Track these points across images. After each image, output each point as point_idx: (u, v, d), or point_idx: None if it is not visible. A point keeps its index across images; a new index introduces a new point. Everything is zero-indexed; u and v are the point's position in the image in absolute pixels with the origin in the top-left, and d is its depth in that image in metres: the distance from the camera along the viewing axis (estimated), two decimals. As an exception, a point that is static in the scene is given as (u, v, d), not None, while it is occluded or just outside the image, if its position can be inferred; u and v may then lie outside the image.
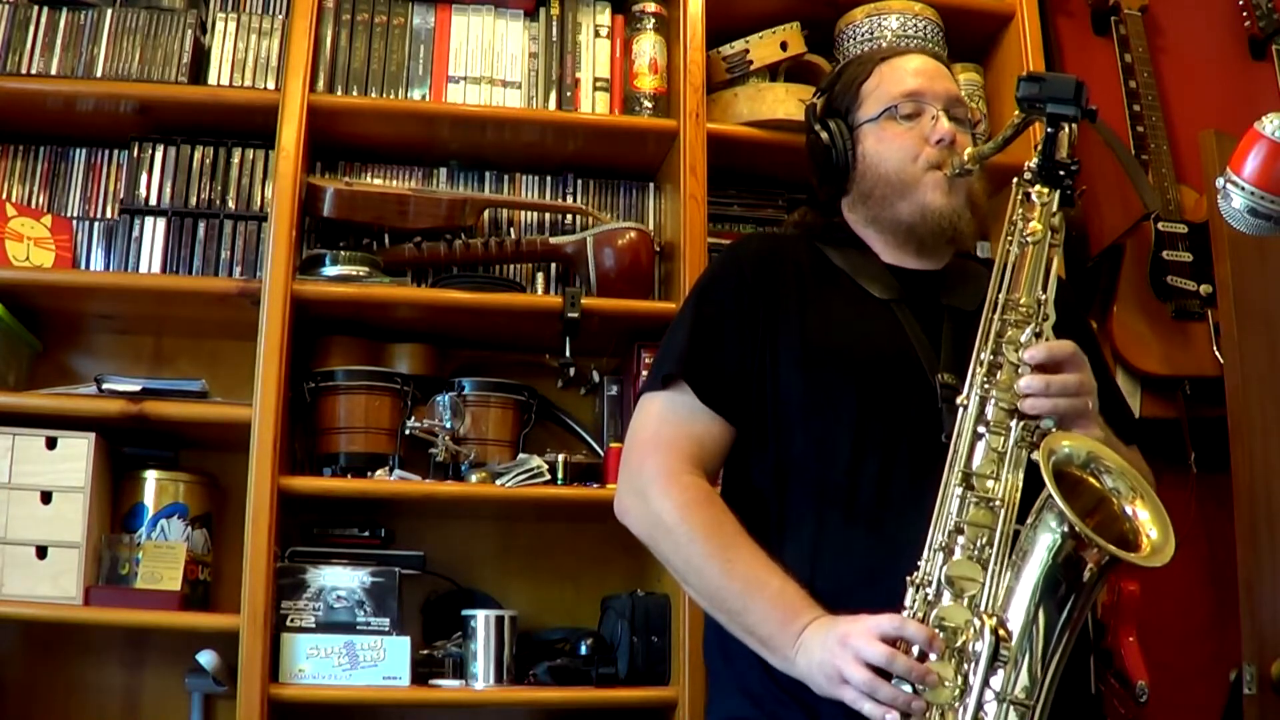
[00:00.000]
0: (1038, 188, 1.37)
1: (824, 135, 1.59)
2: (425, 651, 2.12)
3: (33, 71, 2.13)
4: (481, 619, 2.05)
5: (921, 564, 1.25)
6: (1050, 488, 1.17)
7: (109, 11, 2.17)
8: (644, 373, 2.19)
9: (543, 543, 2.36)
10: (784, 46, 2.33)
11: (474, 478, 2.11)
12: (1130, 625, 2.31)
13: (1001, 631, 1.17)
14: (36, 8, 2.16)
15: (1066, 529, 1.18)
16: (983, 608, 1.21)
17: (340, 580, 2.03)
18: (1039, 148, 1.36)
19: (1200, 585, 2.57)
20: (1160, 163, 2.62)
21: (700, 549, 1.35)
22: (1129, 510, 1.25)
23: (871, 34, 2.31)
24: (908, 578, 1.25)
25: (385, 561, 2.09)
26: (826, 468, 1.40)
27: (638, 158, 2.37)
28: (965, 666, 1.18)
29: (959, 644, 1.19)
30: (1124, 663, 2.29)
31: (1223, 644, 2.45)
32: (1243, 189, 1.26)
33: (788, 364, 1.44)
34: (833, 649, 1.21)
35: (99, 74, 2.14)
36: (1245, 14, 2.85)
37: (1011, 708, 1.16)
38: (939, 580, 1.23)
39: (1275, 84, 2.80)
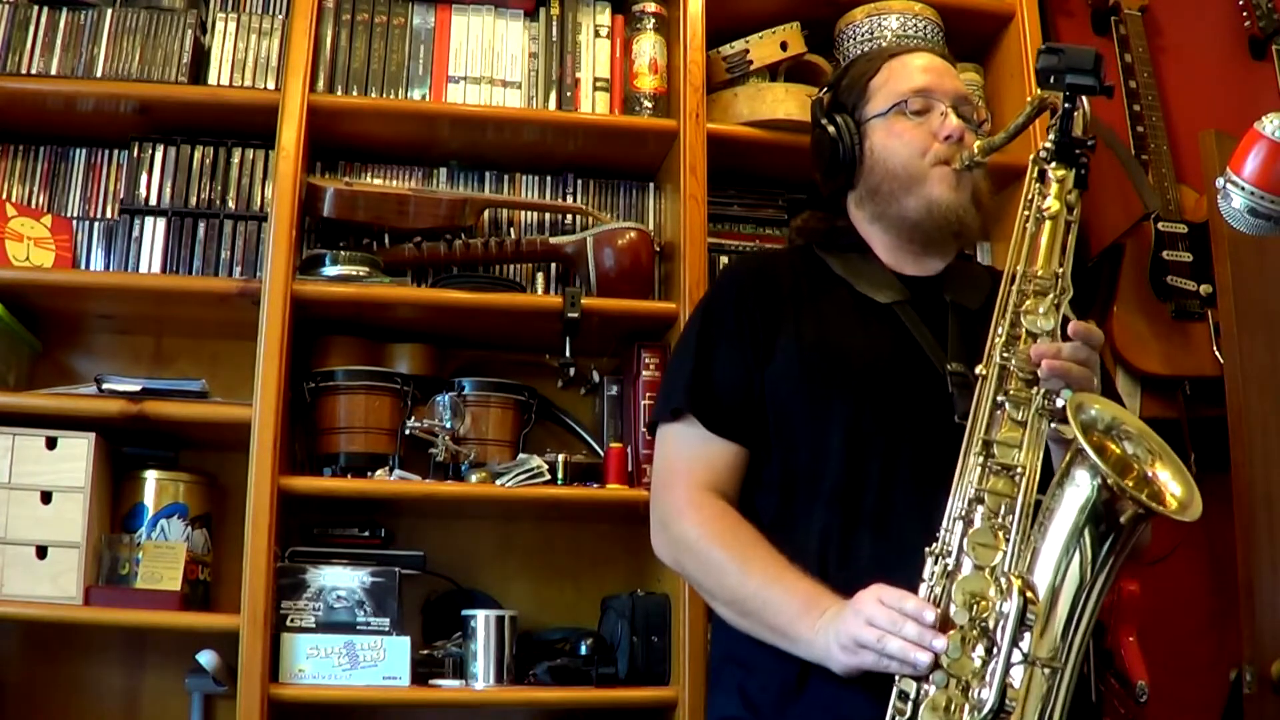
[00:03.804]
0: (1053, 165, 1.37)
1: (831, 130, 1.59)
2: (425, 651, 2.11)
3: (33, 71, 2.13)
4: (481, 619, 2.05)
5: (940, 534, 1.25)
6: (1081, 440, 1.16)
7: (109, 11, 2.17)
8: (644, 372, 2.20)
9: (543, 543, 2.36)
10: (784, 46, 2.33)
11: (474, 478, 2.11)
12: (1130, 625, 2.31)
13: (1029, 593, 1.16)
14: (36, 8, 2.16)
15: (1099, 481, 1.16)
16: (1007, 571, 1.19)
17: (340, 580, 2.03)
18: (1054, 125, 1.36)
19: (1200, 585, 2.57)
20: (1160, 163, 2.62)
21: (718, 558, 1.39)
22: (1150, 474, 1.24)
23: (871, 34, 2.31)
24: (926, 549, 1.24)
25: (385, 561, 2.09)
26: (829, 476, 1.41)
27: (638, 158, 2.37)
28: (991, 631, 1.16)
29: (982, 612, 1.17)
30: (1124, 663, 2.29)
31: (1223, 644, 2.45)
32: (1243, 189, 1.25)
33: (788, 379, 1.46)
34: (846, 618, 1.23)
35: (99, 74, 2.13)
36: (1245, 14, 2.85)
37: (1039, 669, 1.15)
38: (959, 549, 1.22)
39: (1275, 84, 2.80)
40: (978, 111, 1.58)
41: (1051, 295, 1.32)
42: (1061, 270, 1.34)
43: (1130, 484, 1.19)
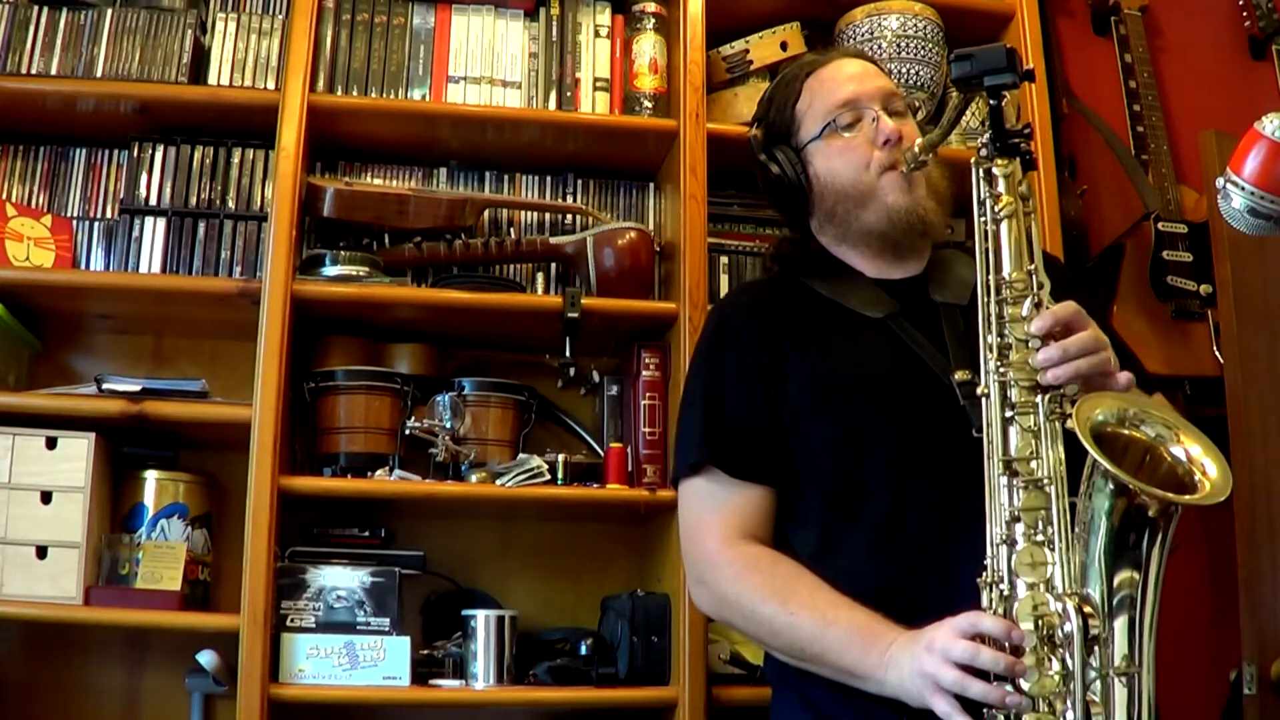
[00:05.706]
0: (997, 161, 1.36)
1: (774, 167, 1.58)
2: (425, 651, 2.11)
3: (33, 71, 2.13)
4: (481, 619, 2.05)
5: (987, 562, 1.24)
6: (1092, 451, 1.16)
7: (109, 11, 2.17)
8: (644, 372, 2.20)
9: (543, 543, 2.36)
10: (784, 46, 2.33)
11: (474, 478, 2.11)
12: (1130, 625, 2.31)
13: (1087, 608, 1.16)
14: (36, 8, 2.16)
15: (1115, 487, 1.17)
16: (1060, 588, 1.19)
17: (340, 580, 2.03)
18: (986, 123, 1.36)
19: (1200, 585, 2.57)
20: (1160, 163, 2.62)
21: (763, 610, 1.36)
22: (1179, 453, 1.24)
23: (871, 34, 2.31)
24: (978, 579, 1.23)
25: (385, 561, 2.09)
26: (867, 500, 1.39)
27: (638, 158, 2.37)
28: (1061, 651, 1.16)
29: (1049, 626, 1.17)
30: (1124, 663, 2.29)
31: (1223, 644, 2.45)
32: (1243, 189, 1.25)
33: (806, 410, 1.45)
34: (920, 656, 1.20)
35: (99, 74, 2.13)
36: (1245, 14, 2.85)
37: (1117, 680, 1.15)
38: (1009, 573, 1.22)
39: (1275, 84, 2.80)
40: (912, 101, 1.58)
41: (1030, 297, 1.31)
42: (1033, 266, 1.33)
43: (1158, 478, 1.19)
